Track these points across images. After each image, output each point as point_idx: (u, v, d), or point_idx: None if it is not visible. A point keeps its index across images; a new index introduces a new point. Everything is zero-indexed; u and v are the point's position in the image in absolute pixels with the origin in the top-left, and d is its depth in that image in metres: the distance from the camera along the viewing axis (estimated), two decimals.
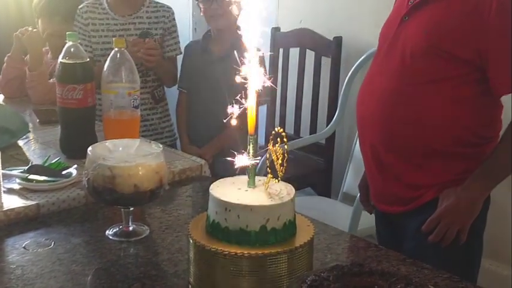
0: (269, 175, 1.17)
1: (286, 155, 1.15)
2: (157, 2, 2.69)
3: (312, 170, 3.07)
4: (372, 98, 1.71)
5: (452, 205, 1.61)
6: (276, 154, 1.15)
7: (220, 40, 2.66)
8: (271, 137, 1.16)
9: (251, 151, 1.15)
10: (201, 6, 2.67)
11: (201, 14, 2.71)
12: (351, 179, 2.92)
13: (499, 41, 1.55)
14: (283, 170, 1.15)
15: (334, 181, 3.11)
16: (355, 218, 2.52)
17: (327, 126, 3.04)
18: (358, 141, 2.89)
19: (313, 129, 3.16)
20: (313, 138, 3.05)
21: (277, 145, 1.15)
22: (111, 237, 1.38)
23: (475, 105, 1.62)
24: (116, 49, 1.72)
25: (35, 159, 1.77)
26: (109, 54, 1.75)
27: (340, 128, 3.08)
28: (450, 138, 1.63)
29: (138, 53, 2.47)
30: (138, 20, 2.61)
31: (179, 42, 2.76)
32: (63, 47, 1.75)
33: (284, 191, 1.17)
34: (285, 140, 1.13)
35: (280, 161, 1.15)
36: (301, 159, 3.07)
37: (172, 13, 2.70)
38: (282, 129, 1.16)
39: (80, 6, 2.63)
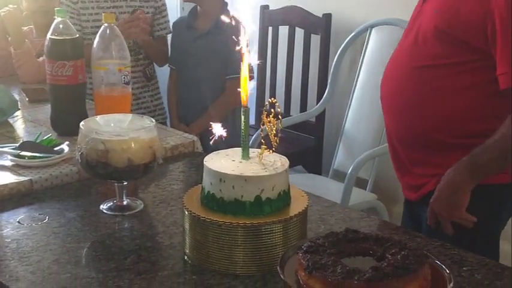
0: (263, 146, 1.17)
1: (280, 125, 1.15)
2: None
3: (302, 148, 3.09)
4: (387, 77, 1.66)
5: (435, 196, 1.53)
6: (270, 125, 1.15)
7: (204, 16, 2.66)
8: (264, 108, 1.16)
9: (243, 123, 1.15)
10: None
11: None
12: (342, 156, 2.94)
13: (506, 30, 1.42)
14: (278, 140, 1.16)
15: (325, 159, 3.12)
16: (346, 194, 2.54)
17: (317, 104, 3.05)
18: (348, 119, 2.93)
19: (303, 108, 3.17)
20: (303, 116, 3.06)
21: (271, 116, 1.15)
22: (105, 211, 1.38)
23: (483, 93, 1.50)
24: (106, 24, 1.70)
25: (26, 137, 1.76)
26: None
27: (330, 105, 3.09)
28: (454, 127, 1.53)
29: (132, 29, 2.46)
30: None
31: (169, 21, 2.75)
32: (49, 24, 1.73)
33: (278, 162, 1.18)
34: (278, 109, 1.14)
35: (274, 132, 1.15)
36: (291, 138, 3.08)
37: None
38: (275, 100, 1.16)
39: None
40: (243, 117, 1.15)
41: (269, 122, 1.15)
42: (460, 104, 1.53)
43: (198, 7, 2.70)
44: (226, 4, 2.65)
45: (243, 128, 1.16)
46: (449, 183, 1.51)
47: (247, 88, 1.16)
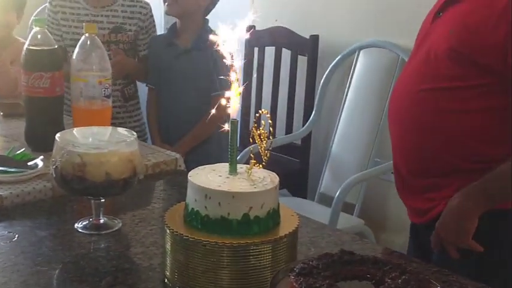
0: (252, 161, 1.10)
1: (271, 138, 1.08)
2: None
3: (287, 171, 3.00)
4: (395, 97, 1.59)
5: (441, 222, 1.46)
6: (259, 138, 1.08)
7: (185, 32, 2.59)
8: (254, 119, 1.09)
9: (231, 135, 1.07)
10: None
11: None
12: (328, 180, 2.88)
13: None
14: (268, 154, 1.08)
15: (310, 182, 3.05)
16: (333, 218, 2.47)
17: (303, 126, 2.99)
18: (335, 142, 2.87)
19: (288, 130, 3.11)
20: (288, 139, 2.99)
21: (261, 128, 1.08)
22: (80, 230, 1.29)
23: (500, 117, 1.44)
24: (87, 35, 1.62)
25: None
26: None
27: (317, 128, 3.03)
28: (467, 151, 1.46)
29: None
30: (112, 13, 2.51)
31: None
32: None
33: (268, 178, 1.11)
34: (270, 121, 1.07)
35: (264, 145, 1.08)
36: (276, 160, 2.97)
37: (150, 10, 2.60)
38: (266, 111, 1.09)
39: None
40: (230, 129, 1.08)
41: (259, 134, 1.08)
42: (474, 127, 1.46)
43: (178, 24, 2.63)
44: (207, 21, 2.60)
45: (230, 140, 1.08)
46: (458, 209, 1.43)
47: (236, 100, 1.09)
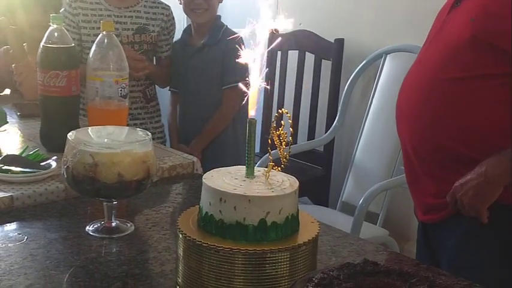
0: (270, 163, 1.03)
1: (291, 139, 1.02)
2: None
3: (308, 178, 2.94)
4: (408, 88, 1.56)
5: (464, 186, 1.42)
6: (279, 138, 1.02)
7: (198, 31, 2.61)
8: (273, 120, 1.03)
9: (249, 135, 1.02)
10: None
11: (180, 4, 2.61)
12: (351, 188, 2.80)
13: None
14: (287, 156, 1.02)
15: (333, 190, 2.98)
16: (355, 228, 2.39)
17: (325, 132, 2.92)
18: (358, 149, 2.79)
19: (311, 136, 3.04)
20: (310, 145, 2.93)
21: (280, 129, 1.02)
22: (91, 233, 1.25)
23: None
24: (104, 33, 1.58)
25: (12, 151, 1.63)
26: None
27: (340, 134, 2.96)
28: (488, 145, 1.42)
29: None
30: (136, 14, 2.48)
31: None
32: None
33: (287, 182, 1.04)
34: (290, 121, 1.01)
35: (284, 146, 1.02)
36: (297, 167, 2.94)
37: (171, 12, 2.59)
38: (286, 111, 1.03)
39: None
40: (248, 128, 1.02)
41: (278, 135, 1.02)
42: (501, 118, 1.41)
43: (193, 24, 2.64)
44: (219, 17, 2.60)
45: (248, 141, 1.02)
46: (486, 176, 1.39)
47: (254, 97, 1.04)
